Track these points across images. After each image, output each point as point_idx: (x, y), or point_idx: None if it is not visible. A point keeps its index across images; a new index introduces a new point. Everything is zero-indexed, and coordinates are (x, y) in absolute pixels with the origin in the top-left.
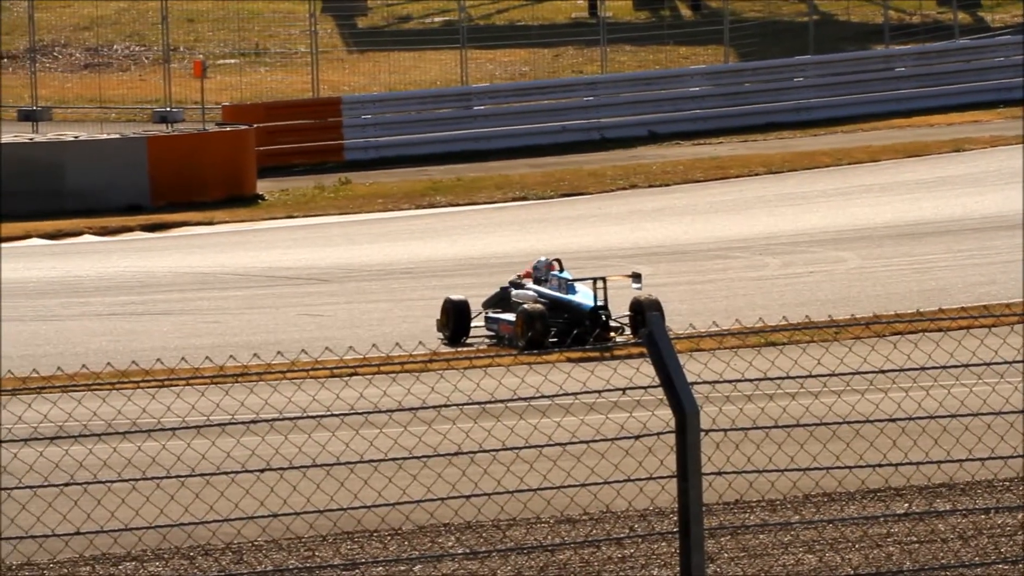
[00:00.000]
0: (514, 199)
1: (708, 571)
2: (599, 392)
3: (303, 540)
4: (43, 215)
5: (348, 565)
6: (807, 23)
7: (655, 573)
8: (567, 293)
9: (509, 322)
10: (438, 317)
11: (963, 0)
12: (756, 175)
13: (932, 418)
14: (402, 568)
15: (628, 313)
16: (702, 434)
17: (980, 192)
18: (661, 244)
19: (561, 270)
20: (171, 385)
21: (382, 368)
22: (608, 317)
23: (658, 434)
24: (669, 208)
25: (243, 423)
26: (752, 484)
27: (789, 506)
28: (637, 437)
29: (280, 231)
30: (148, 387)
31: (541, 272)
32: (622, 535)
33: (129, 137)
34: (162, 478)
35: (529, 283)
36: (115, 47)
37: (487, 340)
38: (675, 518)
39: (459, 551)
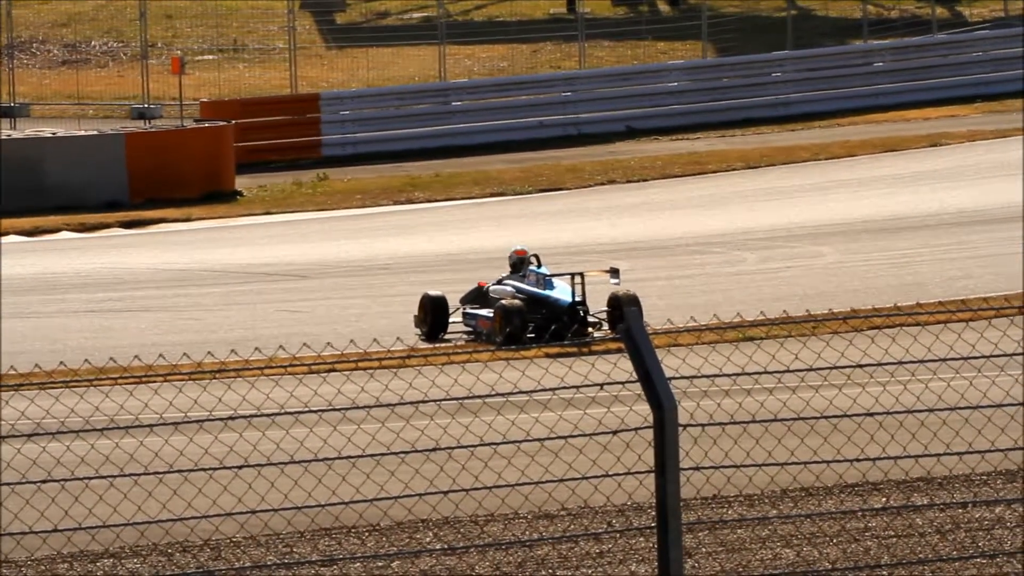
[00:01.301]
0: (492, 195)
1: (686, 566)
2: (577, 388)
3: (281, 536)
4: (21, 212)
5: (326, 561)
6: (785, 18)
7: (633, 568)
8: (545, 288)
9: (487, 318)
10: (416, 313)
11: None
12: (734, 170)
13: (910, 412)
14: (380, 564)
15: (606, 308)
16: (680, 429)
17: (957, 187)
18: (639, 239)
19: (539, 265)
20: (149, 382)
21: (360, 364)
22: (586, 312)
23: (636, 429)
24: (647, 203)
25: (221, 420)
26: (730, 479)
27: (767, 501)
28: (615, 432)
29: (258, 227)
30: (126, 384)
31: (512, 261)
32: (600, 530)
33: (107, 134)
34: (140, 475)
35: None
36: (93, 43)
37: (465, 336)
38: (653, 513)
39: (437, 547)
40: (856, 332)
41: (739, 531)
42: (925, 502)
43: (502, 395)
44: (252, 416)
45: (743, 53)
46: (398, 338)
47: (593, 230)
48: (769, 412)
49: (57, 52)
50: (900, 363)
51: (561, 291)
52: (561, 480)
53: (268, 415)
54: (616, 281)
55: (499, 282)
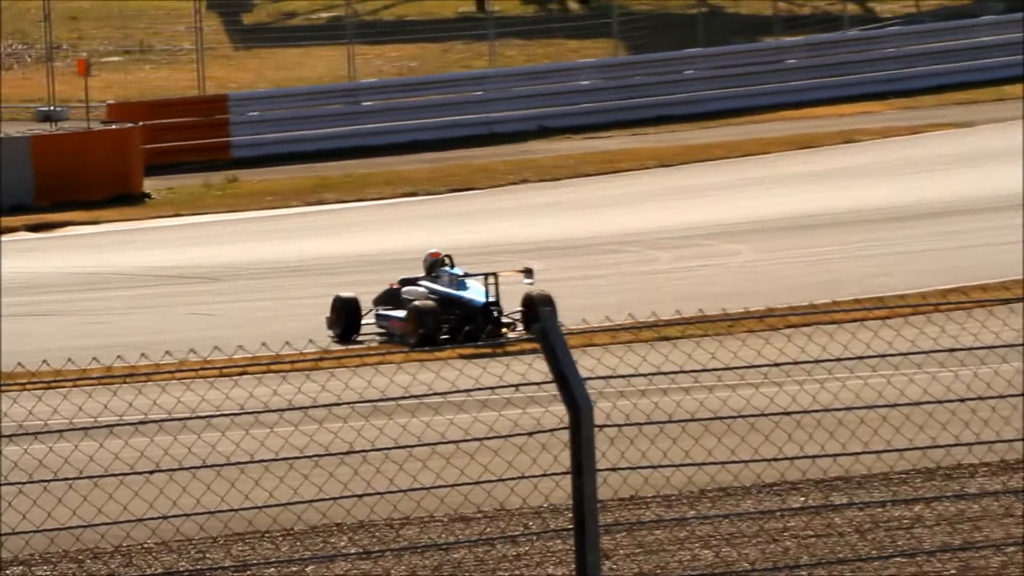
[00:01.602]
0: (404, 195)
1: (604, 568)
2: (492, 389)
3: (193, 542)
4: None
5: (239, 567)
6: (696, 15)
7: (550, 571)
8: (458, 289)
9: (400, 319)
10: (328, 315)
11: None
12: (647, 168)
13: (827, 411)
14: (294, 569)
15: (520, 308)
16: (596, 430)
17: (871, 184)
18: (552, 239)
19: (452, 266)
20: (57, 387)
21: (272, 367)
22: (500, 313)
23: (552, 430)
24: (560, 203)
25: (131, 424)
26: (647, 479)
27: (684, 501)
28: (531, 434)
29: (167, 230)
30: (33, 389)
31: (427, 264)
32: (517, 533)
33: (12, 136)
34: (48, 481)
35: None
36: None
37: (378, 338)
38: (570, 515)
39: (352, 551)
40: (772, 331)
41: (657, 532)
42: (844, 501)
43: (416, 397)
44: (162, 420)
45: (655, 51)
46: (310, 340)
47: (506, 230)
48: (686, 412)
49: None
50: (817, 361)
51: (475, 291)
52: (477, 482)
53: (178, 419)
54: (530, 281)
55: (410, 282)
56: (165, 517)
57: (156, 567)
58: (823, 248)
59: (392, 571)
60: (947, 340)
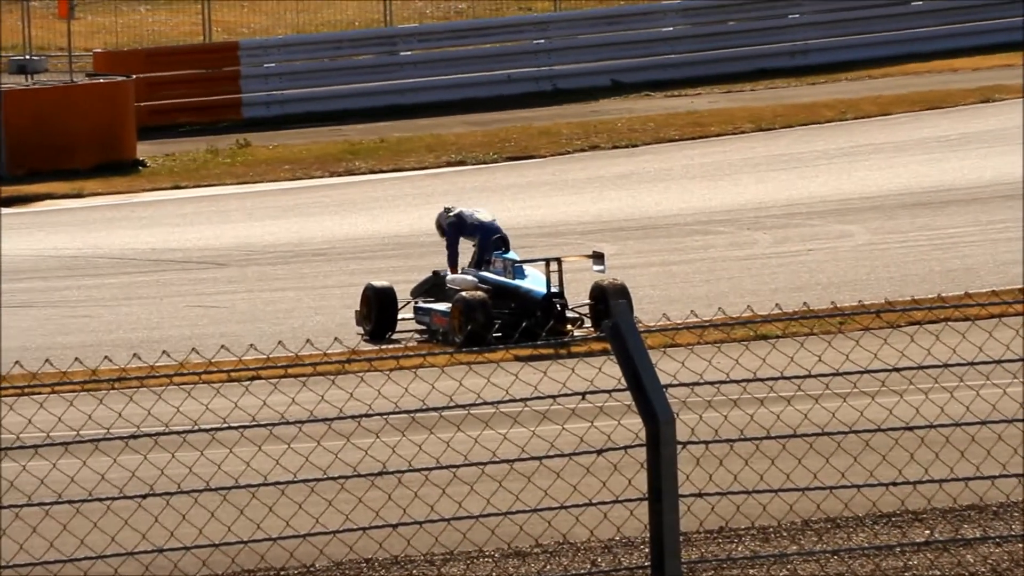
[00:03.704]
0: (449, 164)
1: None
2: (553, 398)
3: None
4: None
5: None
6: None
7: None
8: (514, 278)
9: (444, 313)
10: (358, 308)
11: None
12: (743, 133)
13: (958, 426)
14: None
15: (588, 301)
16: (679, 447)
17: (1013, 152)
18: (628, 217)
19: (507, 250)
20: (33, 393)
21: (290, 371)
22: (564, 306)
23: (625, 448)
24: (637, 174)
25: (120, 439)
26: (740, 508)
27: (785, 534)
28: (600, 452)
29: (165, 205)
30: (5, 396)
31: (442, 220)
32: (583, 572)
33: None
34: (20, 506)
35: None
36: None
37: (417, 335)
38: (646, 550)
39: None
40: (892, 329)
41: (751, 571)
42: (977, 535)
43: (462, 407)
44: (159, 434)
45: None
46: (336, 338)
47: (572, 206)
48: (787, 426)
49: None
50: (945, 366)
51: (534, 280)
52: (535, 510)
53: (177, 432)
54: (600, 268)
55: (455, 269)
56: (161, 550)
57: None
58: (954, 230)
59: None
60: None
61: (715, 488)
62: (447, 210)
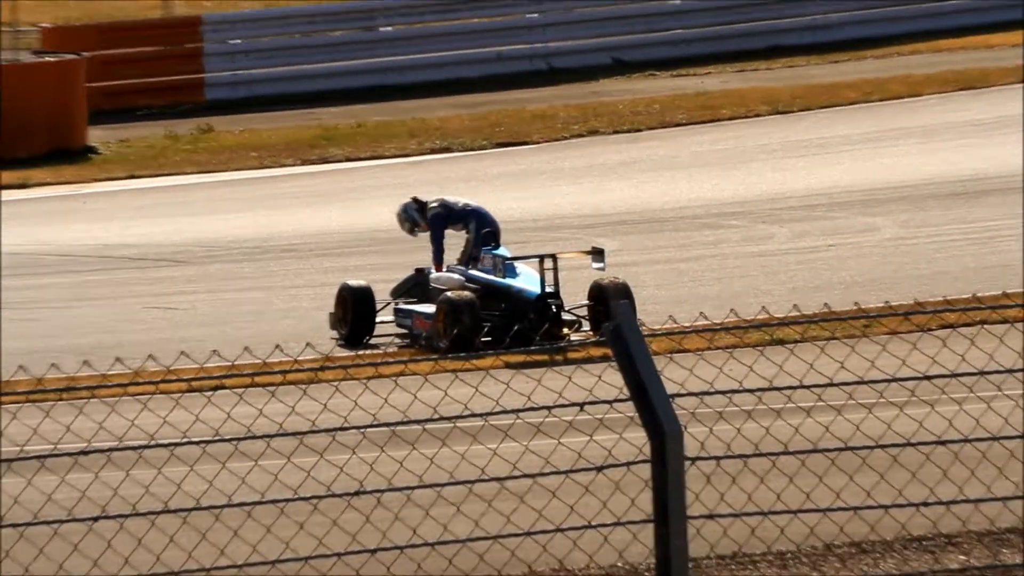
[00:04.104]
0: (433, 151)
1: None
2: (548, 409)
3: None
4: None
5: None
6: None
7: None
8: (505, 276)
9: (427, 315)
10: (332, 310)
11: None
12: (757, 116)
13: (995, 440)
14: None
15: (587, 302)
16: (687, 463)
17: None
18: (631, 210)
19: (497, 245)
20: None
21: (257, 379)
22: (560, 307)
23: (628, 464)
24: (641, 161)
25: (70, 455)
26: (755, 530)
27: (805, 560)
28: (600, 469)
29: (120, 196)
30: None
31: (402, 215)
32: None
33: None
34: None
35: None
36: None
37: (398, 340)
38: None
39: None
40: (922, 332)
41: None
42: (1018, 560)
43: (448, 419)
44: (111, 450)
45: None
46: (308, 344)
47: (569, 197)
48: (807, 441)
49: None
50: (981, 373)
51: (526, 279)
52: (528, 533)
53: (133, 448)
54: (600, 265)
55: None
56: None
57: None
58: (991, 223)
59: None
60: None
61: (727, 509)
62: (416, 201)
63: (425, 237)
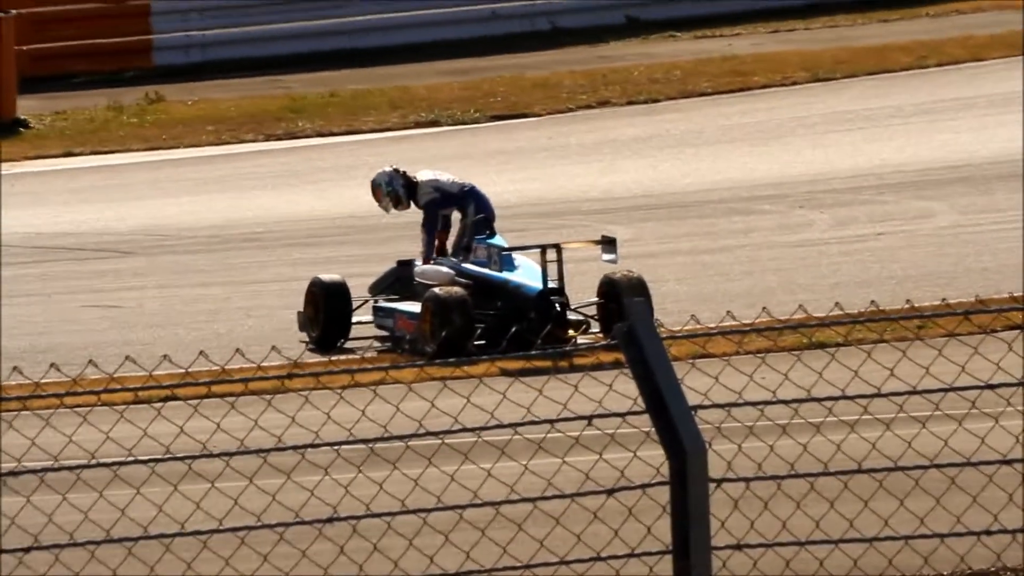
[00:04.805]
0: (419, 124)
1: None
2: (551, 423)
3: None
4: None
5: None
6: None
7: None
8: (502, 269)
9: (411, 315)
10: (301, 309)
11: None
12: (795, 84)
13: None
14: None
15: (596, 299)
16: (711, 486)
17: None
18: (647, 193)
19: (491, 234)
20: None
21: (214, 388)
22: (564, 306)
23: (643, 487)
24: (659, 137)
25: None
26: (789, 563)
27: None
28: (611, 492)
29: (55, 176)
30: None
31: (383, 187)
32: None
33: None
34: None
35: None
36: None
37: (377, 343)
38: None
39: None
40: (984, 334)
41: None
42: None
43: (435, 435)
44: (45, 471)
45: None
46: (274, 347)
47: (577, 178)
48: (850, 459)
49: None
50: None
51: (526, 273)
52: (528, 566)
53: (70, 468)
54: (611, 257)
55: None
56: None
57: None
58: None
59: None
60: None
61: (757, 538)
62: (402, 176)
63: (405, 219)
